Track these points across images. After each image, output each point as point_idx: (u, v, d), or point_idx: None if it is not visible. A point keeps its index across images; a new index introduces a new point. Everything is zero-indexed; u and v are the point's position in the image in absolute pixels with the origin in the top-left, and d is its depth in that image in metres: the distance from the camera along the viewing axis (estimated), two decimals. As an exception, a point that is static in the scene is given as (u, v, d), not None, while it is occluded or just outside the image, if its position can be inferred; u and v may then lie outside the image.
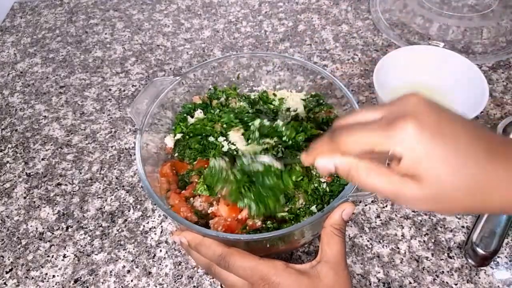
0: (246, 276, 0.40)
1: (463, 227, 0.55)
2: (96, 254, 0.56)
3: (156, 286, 0.53)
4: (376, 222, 0.56)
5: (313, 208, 0.48)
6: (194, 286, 0.52)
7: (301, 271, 0.39)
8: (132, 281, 0.53)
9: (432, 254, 0.53)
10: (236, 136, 0.53)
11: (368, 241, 0.55)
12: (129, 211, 0.61)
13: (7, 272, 0.56)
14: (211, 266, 0.43)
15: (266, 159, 0.46)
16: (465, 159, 0.29)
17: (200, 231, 0.42)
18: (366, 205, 0.58)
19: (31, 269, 0.56)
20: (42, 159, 0.69)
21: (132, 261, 0.55)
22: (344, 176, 0.34)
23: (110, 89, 0.79)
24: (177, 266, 0.54)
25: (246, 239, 0.42)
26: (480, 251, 0.50)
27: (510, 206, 0.30)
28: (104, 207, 0.62)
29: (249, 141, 0.52)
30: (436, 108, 0.31)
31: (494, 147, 0.30)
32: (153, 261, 0.55)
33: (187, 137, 0.55)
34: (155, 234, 0.58)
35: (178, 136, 0.56)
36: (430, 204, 0.31)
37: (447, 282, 0.51)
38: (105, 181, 0.65)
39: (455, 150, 0.29)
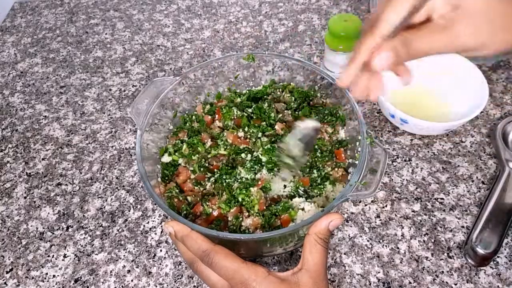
0: (227, 277, 0.40)
1: (462, 227, 0.55)
2: (96, 254, 0.56)
3: (156, 286, 0.53)
4: (376, 222, 0.57)
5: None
6: (194, 286, 0.52)
7: (281, 279, 0.39)
8: (132, 281, 0.53)
9: (432, 254, 0.53)
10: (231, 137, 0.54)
11: (368, 241, 0.55)
12: (129, 211, 0.61)
13: (7, 272, 0.56)
14: (194, 262, 0.43)
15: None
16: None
17: (200, 230, 0.42)
18: (366, 205, 0.58)
19: (31, 269, 0.56)
20: (43, 159, 0.69)
21: (132, 261, 0.55)
22: (404, 52, 0.35)
23: (110, 89, 0.80)
24: (177, 266, 0.54)
25: (246, 239, 0.42)
26: (480, 251, 0.50)
27: None
28: (104, 207, 0.62)
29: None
30: None
31: None
32: (153, 261, 0.55)
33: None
34: (155, 234, 0.58)
35: (168, 159, 0.55)
36: (478, 32, 0.35)
37: (446, 282, 0.51)
38: (105, 181, 0.65)
39: None
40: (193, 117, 0.59)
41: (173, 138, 0.57)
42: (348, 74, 0.37)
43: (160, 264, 0.55)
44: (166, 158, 0.55)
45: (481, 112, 0.67)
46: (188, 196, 0.51)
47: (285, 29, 0.88)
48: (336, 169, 0.52)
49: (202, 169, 0.52)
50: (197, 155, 0.54)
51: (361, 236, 0.55)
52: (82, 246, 0.57)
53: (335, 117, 0.56)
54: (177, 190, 0.51)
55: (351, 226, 0.56)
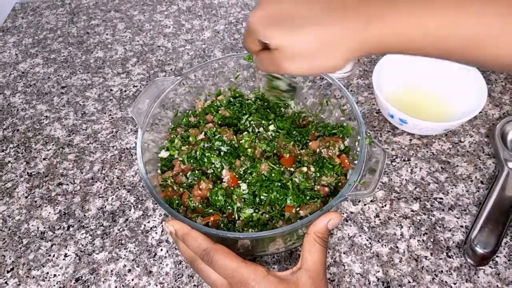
0: (226, 276, 0.40)
1: (462, 226, 0.56)
2: (97, 253, 0.57)
3: (156, 285, 0.53)
4: (375, 222, 0.57)
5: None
6: (195, 285, 0.53)
7: (281, 278, 0.40)
8: (132, 280, 0.54)
9: (431, 254, 0.53)
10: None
11: (367, 240, 0.55)
12: (130, 210, 0.61)
13: (8, 272, 0.56)
14: (195, 261, 0.43)
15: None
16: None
17: (200, 229, 0.42)
18: (365, 204, 0.59)
19: (32, 268, 0.56)
20: (44, 159, 0.69)
21: (133, 260, 0.56)
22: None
23: (111, 90, 0.80)
24: (177, 265, 0.55)
25: (245, 237, 0.42)
26: (479, 250, 0.50)
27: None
28: (105, 206, 0.62)
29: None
30: None
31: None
32: (153, 260, 0.55)
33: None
34: (156, 233, 0.58)
35: (166, 154, 0.56)
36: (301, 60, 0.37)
37: (446, 282, 0.51)
38: (106, 180, 0.65)
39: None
40: (190, 112, 0.60)
41: (170, 134, 0.58)
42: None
43: (161, 263, 0.55)
44: (163, 153, 0.55)
45: (480, 112, 0.67)
46: (181, 188, 0.51)
47: (285, 29, 0.88)
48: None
49: (192, 160, 0.53)
50: (186, 145, 0.54)
51: (360, 236, 0.56)
52: (83, 245, 0.58)
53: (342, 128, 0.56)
54: (172, 180, 0.52)
55: (350, 226, 0.57)
